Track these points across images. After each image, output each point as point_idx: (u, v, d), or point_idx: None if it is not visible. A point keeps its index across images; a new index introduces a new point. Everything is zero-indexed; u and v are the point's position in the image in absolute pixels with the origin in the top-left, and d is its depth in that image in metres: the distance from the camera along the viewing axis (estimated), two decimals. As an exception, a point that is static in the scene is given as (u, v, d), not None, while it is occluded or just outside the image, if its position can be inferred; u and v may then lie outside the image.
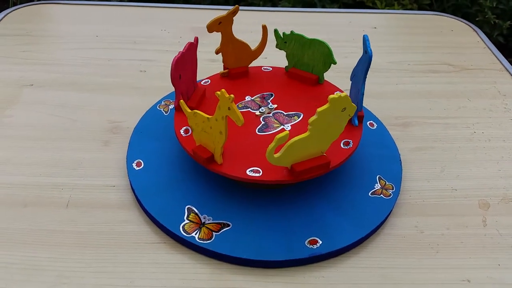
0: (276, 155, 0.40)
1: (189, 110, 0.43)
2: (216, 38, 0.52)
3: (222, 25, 0.50)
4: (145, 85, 0.62)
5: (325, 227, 0.44)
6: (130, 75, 0.64)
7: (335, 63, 0.51)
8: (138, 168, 0.48)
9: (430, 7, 1.39)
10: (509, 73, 0.67)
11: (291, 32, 0.52)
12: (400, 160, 0.51)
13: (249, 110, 0.49)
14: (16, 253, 0.41)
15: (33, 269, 0.40)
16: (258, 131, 0.47)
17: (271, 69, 0.56)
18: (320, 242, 0.42)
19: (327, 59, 0.51)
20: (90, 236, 0.43)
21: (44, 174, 0.49)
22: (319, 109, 0.39)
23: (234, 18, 0.51)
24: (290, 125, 0.48)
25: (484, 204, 0.48)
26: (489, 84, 0.65)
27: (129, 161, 0.49)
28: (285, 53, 0.54)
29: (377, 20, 0.80)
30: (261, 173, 0.42)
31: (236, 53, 0.52)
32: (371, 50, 0.45)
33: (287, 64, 0.55)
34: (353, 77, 0.49)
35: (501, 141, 0.56)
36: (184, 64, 0.46)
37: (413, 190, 0.49)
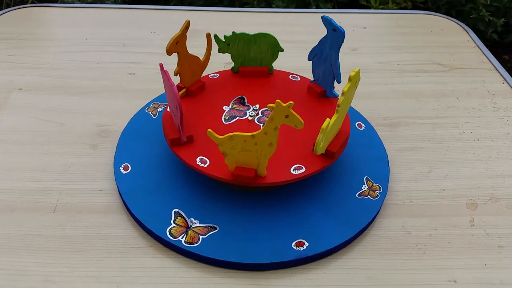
0: (321, 145, 0.42)
1: (221, 137, 0.40)
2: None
3: (179, 44, 0.48)
4: (134, 88, 0.62)
5: (311, 228, 0.44)
6: (119, 78, 0.64)
7: (282, 50, 0.53)
8: (125, 172, 0.48)
9: (424, 5, 1.39)
10: (498, 72, 0.67)
11: (233, 32, 0.52)
12: (388, 161, 0.51)
13: (238, 119, 0.49)
14: (3, 259, 0.41)
15: (20, 274, 0.40)
16: None
17: (218, 75, 0.55)
18: (307, 244, 0.42)
19: (275, 48, 0.53)
20: (78, 241, 0.43)
21: (32, 178, 0.49)
22: (344, 89, 0.41)
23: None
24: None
25: (471, 204, 0.48)
26: (478, 84, 0.65)
27: (116, 165, 0.49)
28: (230, 55, 0.54)
29: (367, 20, 0.80)
30: (304, 168, 0.43)
31: (191, 69, 0.51)
32: (340, 26, 0.47)
33: (233, 65, 0.55)
34: (314, 56, 0.51)
35: (490, 140, 0.56)
36: None
37: (401, 190, 0.49)
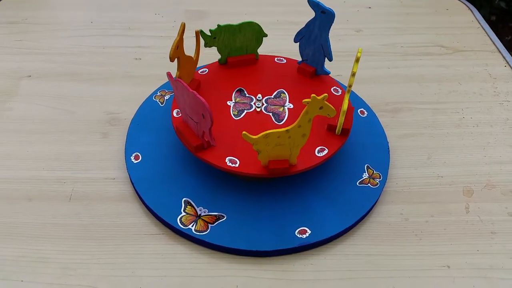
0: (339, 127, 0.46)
1: (256, 136, 0.41)
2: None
3: (179, 49, 0.48)
4: (141, 74, 0.63)
5: (314, 217, 0.46)
6: (125, 63, 0.65)
7: (266, 35, 0.55)
8: (136, 161, 0.50)
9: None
10: (501, 54, 0.68)
11: (218, 25, 0.52)
12: (388, 149, 0.52)
13: (247, 112, 0.50)
14: (24, 247, 0.44)
15: (40, 261, 0.43)
16: (277, 122, 0.49)
17: (207, 70, 0.55)
18: (309, 231, 0.45)
19: (259, 35, 0.55)
20: (93, 229, 0.46)
21: (46, 167, 0.51)
22: (353, 70, 0.44)
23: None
24: (289, 102, 0.51)
25: (468, 191, 0.50)
26: (480, 67, 0.66)
27: (127, 155, 0.51)
28: (216, 48, 0.54)
29: (371, 0, 0.79)
30: (326, 150, 0.46)
31: (187, 70, 0.51)
32: (329, 8, 0.49)
33: (219, 58, 0.55)
34: (302, 38, 0.53)
35: (489, 126, 0.57)
36: None
37: (400, 177, 0.51)
